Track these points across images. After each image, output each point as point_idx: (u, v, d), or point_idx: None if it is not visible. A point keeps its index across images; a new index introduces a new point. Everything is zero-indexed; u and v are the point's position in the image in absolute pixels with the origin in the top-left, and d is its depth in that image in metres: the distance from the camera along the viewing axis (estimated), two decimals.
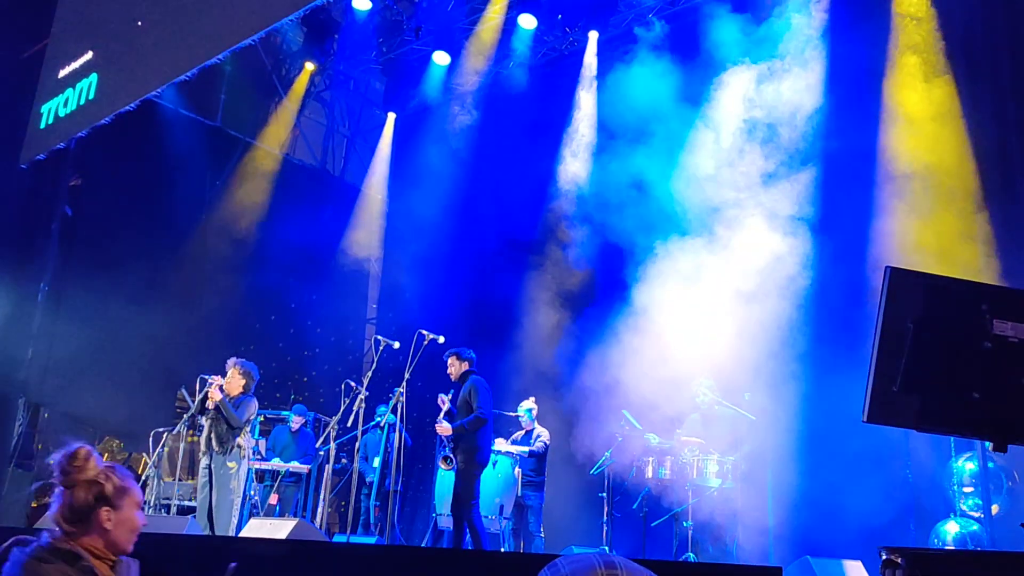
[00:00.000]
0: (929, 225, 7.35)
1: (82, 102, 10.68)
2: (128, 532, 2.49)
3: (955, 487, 6.50)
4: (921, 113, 7.79)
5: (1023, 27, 7.59)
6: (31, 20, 11.96)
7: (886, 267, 2.54)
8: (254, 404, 7.48)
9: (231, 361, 7.44)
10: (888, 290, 2.53)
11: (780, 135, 8.42)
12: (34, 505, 10.48)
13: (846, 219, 7.90)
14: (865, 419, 2.53)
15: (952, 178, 7.45)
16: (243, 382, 7.38)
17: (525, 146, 10.90)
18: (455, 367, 7.23)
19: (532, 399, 8.70)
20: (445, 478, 7.96)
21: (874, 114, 8.06)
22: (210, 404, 7.19)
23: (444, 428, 6.97)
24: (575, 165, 10.55)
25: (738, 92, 8.72)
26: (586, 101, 10.71)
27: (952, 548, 6.19)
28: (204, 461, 7.29)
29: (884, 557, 2.65)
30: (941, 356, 2.55)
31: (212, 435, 7.28)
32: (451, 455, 6.95)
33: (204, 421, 7.34)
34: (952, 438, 6.26)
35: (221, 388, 7.26)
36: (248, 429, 7.49)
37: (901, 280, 2.55)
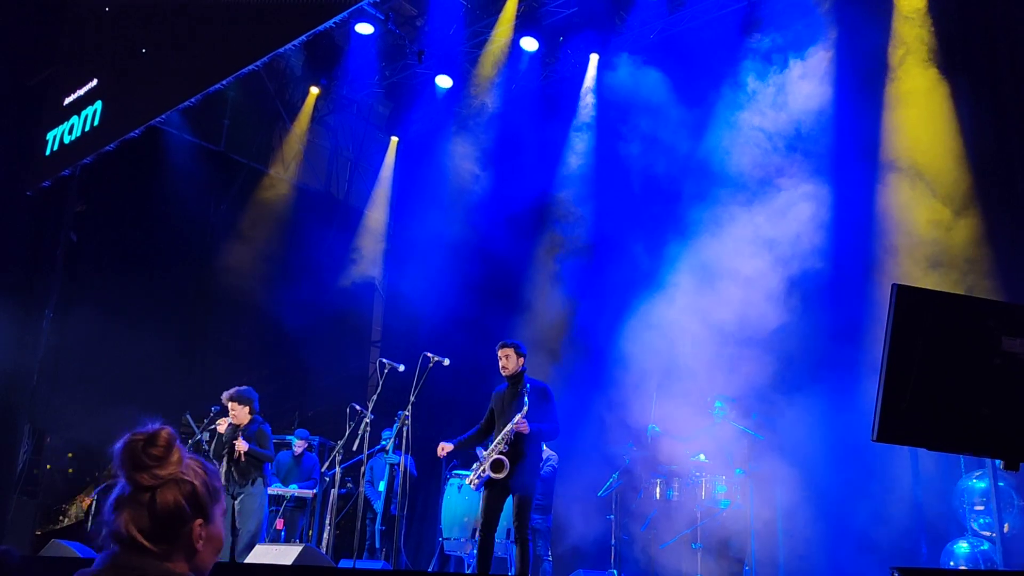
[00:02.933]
0: (929, 222, 7.36)
1: (87, 129, 10.76)
2: (214, 552, 1.82)
3: (966, 506, 6.44)
4: (922, 111, 7.83)
5: (1020, 25, 7.64)
6: (36, 48, 12.07)
7: (893, 285, 2.53)
8: (268, 427, 7.51)
9: (226, 396, 7.42)
10: (896, 308, 2.51)
11: (785, 139, 8.45)
12: (39, 533, 10.44)
13: (852, 220, 7.89)
14: (874, 438, 2.50)
15: (946, 175, 7.48)
16: (247, 408, 7.39)
17: (527, 166, 10.93)
18: (513, 361, 6.44)
19: None
20: (452, 501, 7.90)
21: (876, 114, 8.10)
22: (241, 456, 7.21)
23: (523, 425, 6.17)
24: (577, 175, 10.63)
25: (741, 98, 8.77)
26: (587, 115, 10.78)
27: (964, 568, 6.13)
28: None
29: None
30: (950, 374, 2.53)
31: (233, 471, 7.27)
32: (504, 458, 6.23)
33: (223, 464, 7.33)
34: (962, 456, 6.21)
35: (236, 428, 7.29)
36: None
37: (909, 298, 2.53)
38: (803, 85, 8.44)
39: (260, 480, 7.34)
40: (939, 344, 2.54)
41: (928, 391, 2.50)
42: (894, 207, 7.64)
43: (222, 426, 7.36)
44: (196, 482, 1.76)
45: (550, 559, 8.14)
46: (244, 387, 7.51)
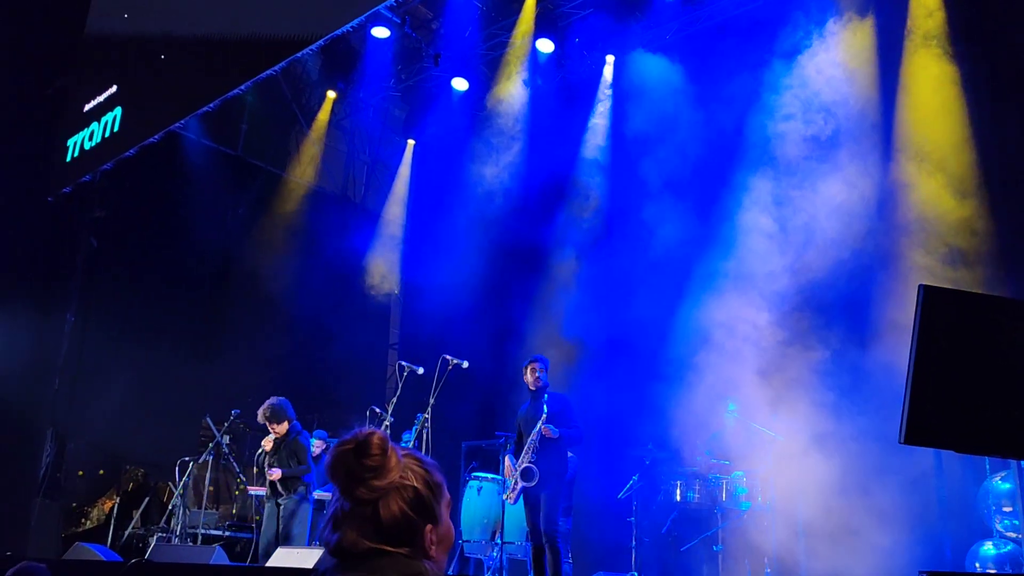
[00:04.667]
0: (948, 214, 7.30)
1: (107, 135, 10.85)
2: (446, 551, 1.69)
3: (992, 507, 6.37)
4: (941, 100, 7.78)
5: None
6: (56, 55, 12.18)
7: (920, 286, 2.51)
8: (304, 437, 7.39)
9: (261, 416, 7.29)
10: (922, 309, 2.49)
11: (805, 128, 8.41)
12: (64, 535, 10.53)
13: (871, 210, 7.82)
14: (902, 440, 2.48)
15: (967, 166, 7.43)
16: (285, 423, 7.29)
17: (544, 166, 10.93)
18: (540, 375, 6.83)
19: None
20: (472, 503, 7.91)
21: (897, 103, 8.05)
22: (275, 479, 7.20)
23: (548, 429, 6.47)
24: (595, 174, 10.64)
25: (758, 89, 8.75)
26: (604, 113, 10.79)
27: (993, 571, 6.06)
28: (269, 504, 7.33)
29: None
30: (978, 375, 2.51)
31: (277, 485, 7.26)
32: (533, 466, 6.51)
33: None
34: (988, 457, 6.15)
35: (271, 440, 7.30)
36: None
37: (935, 299, 2.51)
38: (820, 75, 8.40)
39: (303, 489, 7.30)
40: (967, 346, 2.52)
41: (956, 393, 2.48)
42: (914, 198, 7.57)
43: (268, 444, 7.32)
44: (417, 484, 1.62)
45: (570, 561, 8.11)
46: (275, 401, 7.34)
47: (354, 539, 1.55)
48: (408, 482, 1.60)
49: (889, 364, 6.35)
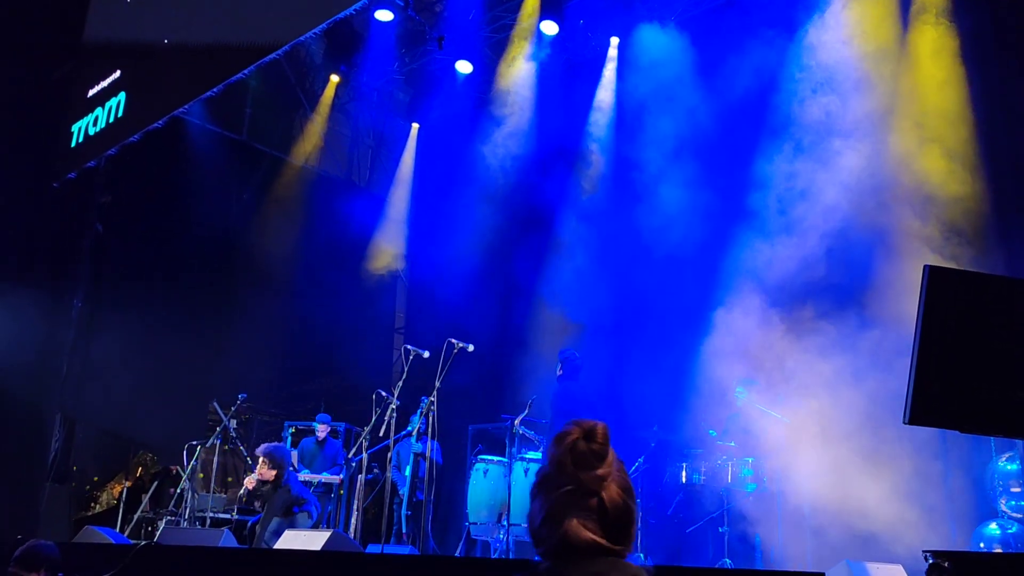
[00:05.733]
0: (950, 188, 7.28)
1: (111, 120, 10.85)
2: None
3: (998, 488, 6.37)
4: (946, 74, 7.73)
5: None
6: (61, 41, 12.17)
7: (925, 266, 2.50)
8: (284, 494, 7.34)
9: (262, 459, 7.28)
10: (927, 289, 2.48)
11: (811, 102, 8.35)
12: (73, 519, 10.62)
13: (874, 186, 7.78)
14: (906, 421, 2.48)
15: (969, 142, 7.39)
16: (276, 471, 7.25)
17: (549, 150, 10.90)
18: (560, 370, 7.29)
19: None
20: (478, 486, 7.96)
21: (903, 78, 7.98)
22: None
23: None
24: (601, 153, 10.62)
25: (763, 71, 8.70)
26: (609, 92, 10.75)
27: (1000, 551, 6.07)
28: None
29: (930, 561, 2.60)
30: (983, 355, 2.50)
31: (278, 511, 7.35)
32: None
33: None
34: (993, 437, 6.14)
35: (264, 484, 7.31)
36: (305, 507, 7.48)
37: (940, 279, 2.50)
38: (829, 49, 8.32)
39: (303, 511, 7.40)
40: (971, 326, 2.51)
41: (961, 373, 2.48)
42: (923, 175, 7.52)
43: (251, 484, 7.33)
44: (624, 474, 1.62)
45: None
46: (280, 447, 7.35)
47: (576, 528, 1.51)
48: (619, 472, 1.61)
49: (896, 344, 6.34)
